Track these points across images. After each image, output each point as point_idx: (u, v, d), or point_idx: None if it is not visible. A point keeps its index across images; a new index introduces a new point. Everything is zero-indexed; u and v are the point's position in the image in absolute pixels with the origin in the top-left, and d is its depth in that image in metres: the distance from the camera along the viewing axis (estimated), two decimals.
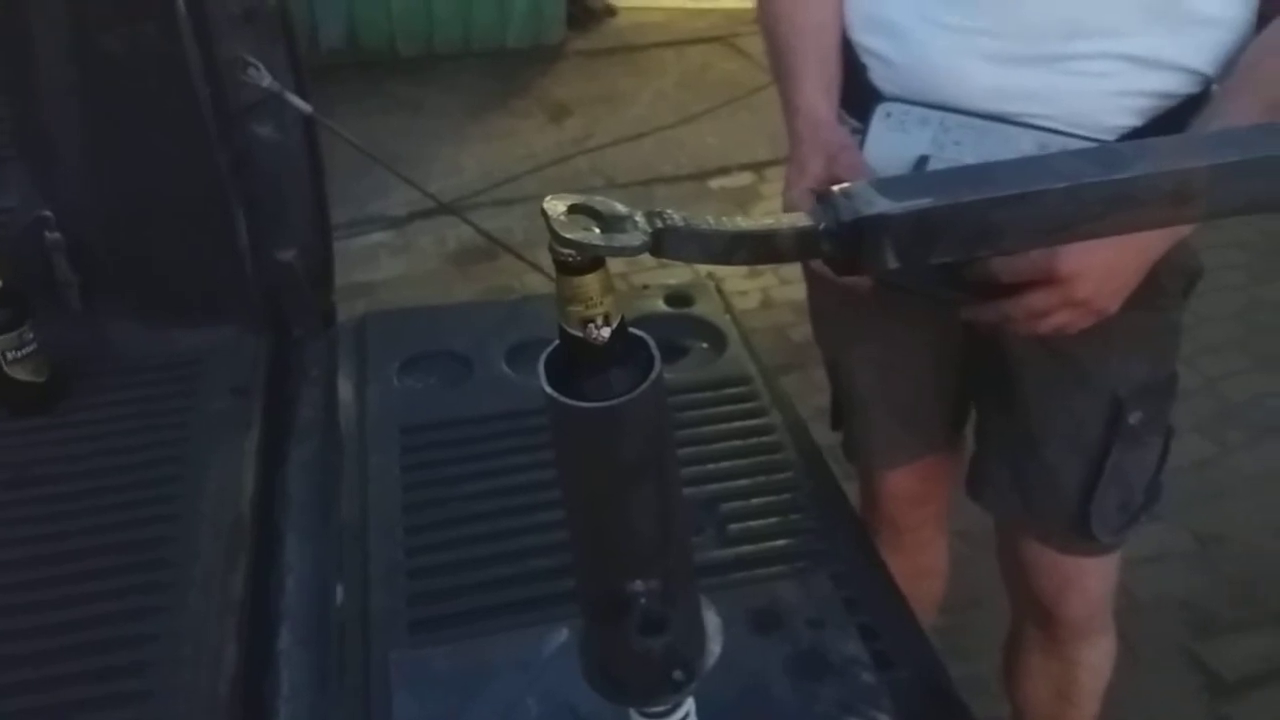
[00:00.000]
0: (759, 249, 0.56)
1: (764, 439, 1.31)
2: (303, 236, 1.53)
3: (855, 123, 1.19)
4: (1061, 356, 1.21)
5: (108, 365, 1.45)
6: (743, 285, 3.23)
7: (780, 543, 1.16)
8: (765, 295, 3.23)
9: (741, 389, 1.39)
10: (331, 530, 1.21)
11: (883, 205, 0.54)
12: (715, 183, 3.90)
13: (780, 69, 1.22)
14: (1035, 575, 1.40)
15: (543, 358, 0.64)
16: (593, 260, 0.57)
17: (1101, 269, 1.03)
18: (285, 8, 1.40)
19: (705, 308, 1.54)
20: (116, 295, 1.49)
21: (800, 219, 0.56)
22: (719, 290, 1.60)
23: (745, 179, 3.91)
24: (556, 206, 0.56)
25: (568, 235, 0.55)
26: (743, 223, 0.56)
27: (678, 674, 0.74)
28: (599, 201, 0.56)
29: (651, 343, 0.64)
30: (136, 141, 1.42)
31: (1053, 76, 1.08)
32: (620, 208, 0.56)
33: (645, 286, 1.79)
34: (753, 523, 1.18)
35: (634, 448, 0.65)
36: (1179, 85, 1.08)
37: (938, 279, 1.13)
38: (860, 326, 1.37)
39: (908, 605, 1.09)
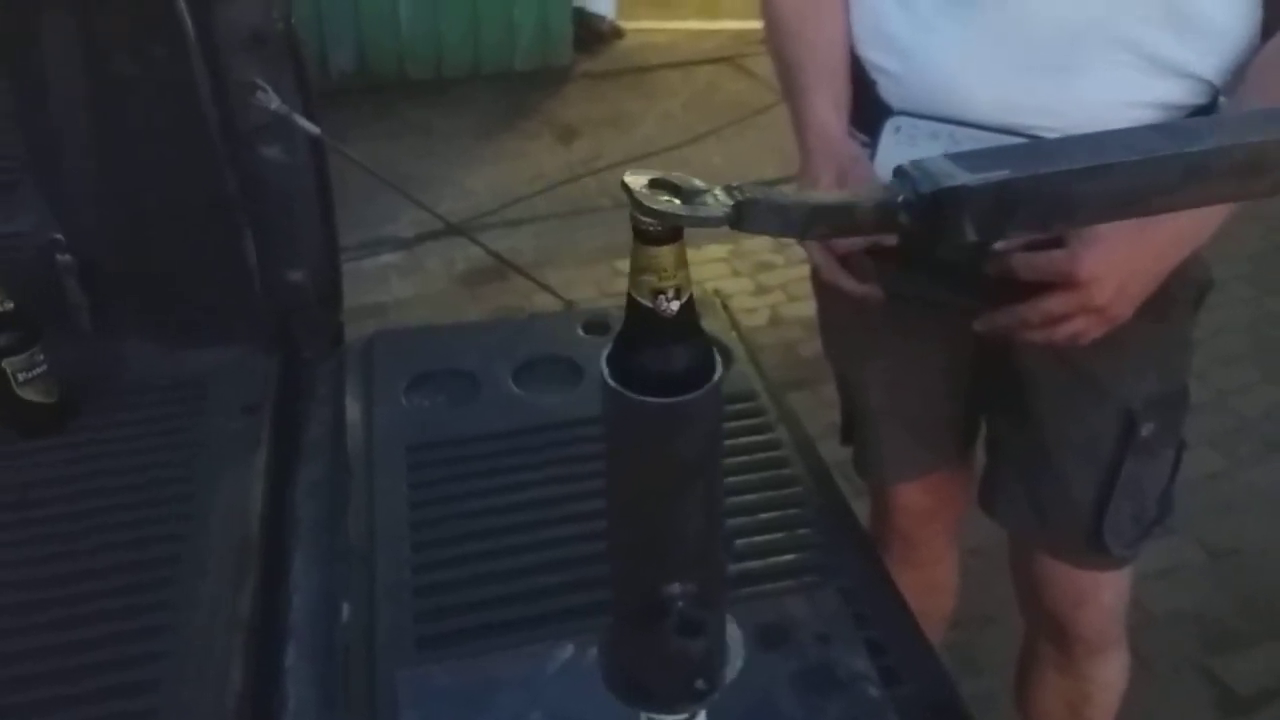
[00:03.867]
0: (838, 222, 0.57)
1: (771, 454, 1.30)
2: (311, 257, 1.54)
3: (864, 138, 1.19)
4: (1074, 369, 1.21)
5: (118, 386, 1.46)
6: (750, 303, 3.23)
7: (788, 558, 1.15)
8: (774, 312, 3.23)
9: (747, 405, 1.38)
10: (339, 548, 1.21)
11: (962, 177, 0.54)
12: None
13: (790, 85, 1.22)
14: (1049, 590, 1.40)
15: (604, 354, 0.64)
16: (672, 231, 0.58)
17: (1120, 274, 1.02)
18: (293, 32, 1.41)
19: (711, 325, 1.54)
20: (126, 316, 1.50)
21: (879, 191, 0.56)
22: (725, 307, 1.60)
23: None
24: (638, 180, 0.57)
25: (652, 205, 0.55)
26: (822, 196, 0.56)
27: (700, 683, 0.74)
28: (678, 177, 0.57)
29: (716, 345, 0.65)
30: (146, 164, 1.43)
31: (1059, 87, 1.08)
32: (698, 182, 0.57)
33: None
34: (760, 538, 1.18)
35: (692, 446, 0.65)
36: (1186, 94, 1.08)
37: (950, 285, 1.12)
38: (871, 340, 1.37)
39: (915, 621, 1.08)
